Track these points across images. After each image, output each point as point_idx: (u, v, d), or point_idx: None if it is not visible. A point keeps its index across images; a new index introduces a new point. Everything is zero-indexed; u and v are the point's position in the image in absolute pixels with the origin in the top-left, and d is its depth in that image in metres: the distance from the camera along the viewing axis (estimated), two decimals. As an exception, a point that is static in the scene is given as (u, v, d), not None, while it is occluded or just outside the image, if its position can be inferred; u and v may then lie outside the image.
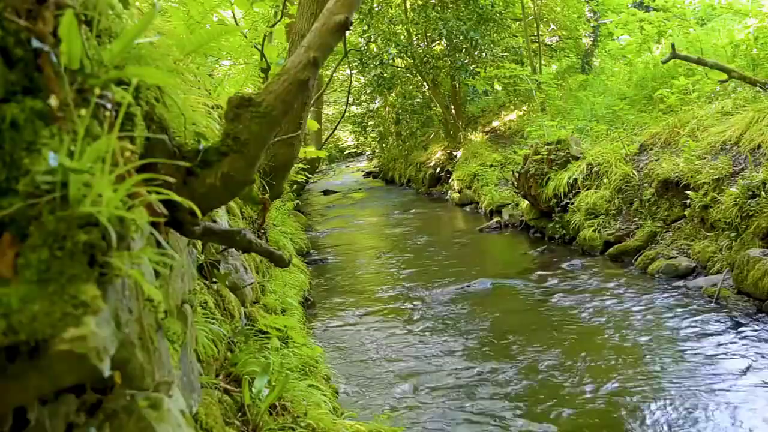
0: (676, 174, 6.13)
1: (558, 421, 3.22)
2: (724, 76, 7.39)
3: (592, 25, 15.35)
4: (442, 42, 14.36)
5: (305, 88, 1.32)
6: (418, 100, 16.40)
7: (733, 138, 5.91)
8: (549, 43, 17.13)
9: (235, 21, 4.52)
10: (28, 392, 0.77)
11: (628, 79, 10.92)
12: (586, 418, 3.22)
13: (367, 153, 24.48)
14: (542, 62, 15.35)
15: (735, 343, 3.95)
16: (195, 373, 1.68)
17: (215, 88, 3.23)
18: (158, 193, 0.98)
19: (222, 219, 2.80)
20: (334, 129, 13.13)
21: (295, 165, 6.44)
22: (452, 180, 13.06)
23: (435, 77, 14.74)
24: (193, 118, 1.43)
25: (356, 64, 14.59)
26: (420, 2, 14.21)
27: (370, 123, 19.30)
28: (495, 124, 14.89)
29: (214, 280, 2.67)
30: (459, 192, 12.27)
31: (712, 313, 4.48)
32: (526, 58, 14.73)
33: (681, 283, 5.27)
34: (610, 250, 6.45)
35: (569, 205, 7.45)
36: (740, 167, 5.54)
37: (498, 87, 15.72)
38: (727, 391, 3.33)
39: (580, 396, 3.46)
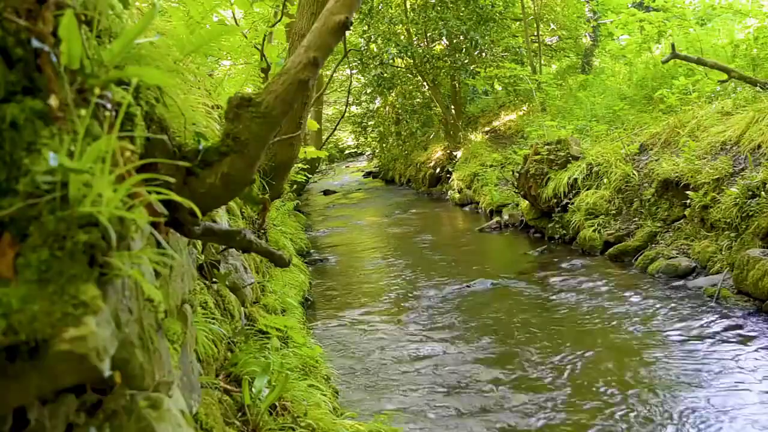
0: (676, 174, 6.13)
1: (558, 420, 3.22)
2: (724, 76, 7.39)
3: (592, 25, 15.35)
4: (442, 42, 14.36)
5: (305, 88, 1.32)
6: (418, 100, 16.40)
7: (733, 138, 5.91)
8: (549, 43, 17.13)
9: (235, 21, 4.52)
10: (28, 392, 0.77)
11: (628, 79, 10.92)
12: (585, 417, 3.22)
13: (367, 153, 24.45)
14: (542, 62, 15.35)
15: (735, 343, 3.94)
16: (195, 373, 1.68)
17: (215, 88, 3.23)
18: (158, 193, 0.98)
19: (222, 219, 2.80)
20: (334, 129, 13.10)
21: (295, 165, 6.44)
22: (452, 180, 13.06)
23: (435, 77, 14.74)
24: (193, 118, 1.43)
25: (356, 64, 14.58)
26: (420, 2, 14.22)
27: (370, 123, 19.28)
28: (495, 124, 14.88)
29: (214, 280, 2.67)
30: (459, 192, 12.27)
31: (712, 313, 4.48)
32: (526, 58, 14.73)
33: (681, 283, 5.26)
34: (610, 250, 6.45)
35: (569, 205, 7.45)
36: (740, 167, 5.54)
37: (498, 87, 15.72)
38: (727, 390, 3.33)
39: (580, 396, 3.46)
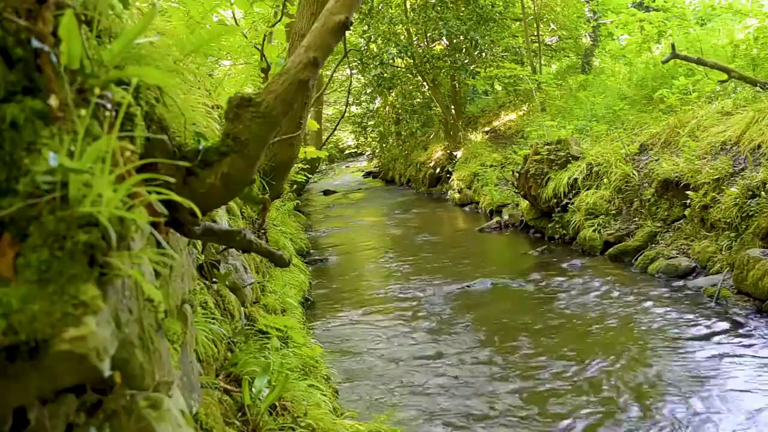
0: (676, 174, 6.13)
1: (557, 420, 3.22)
2: (724, 76, 7.39)
3: (592, 25, 15.35)
4: (442, 42, 14.37)
5: (305, 88, 1.32)
6: (418, 100, 16.41)
7: (733, 138, 5.91)
8: (549, 43, 17.13)
9: (235, 21, 4.52)
10: (28, 392, 0.77)
11: (628, 79, 10.92)
12: (585, 417, 3.22)
13: (367, 153, 24.47)
14: (542, 62, 15.35)
15: (735, 343, 3.94)
16: (195, 373, 1.68)
17: (215, 88, 3.22)
18: (158, 193, 0.98)
19: (222, 219, 2.80)
20: (334, 129, 13.11)
21: (295, 165, 6.44)
22: (452, 180, 13.06)
23: (435, 77, 14.74)
24: (193, 118, 1.43)
25: (356, 64, 14.58)
26: (420, 2, 14.22)
27: (370, 123, 19.29)
28: (495, 124, 14.89)
29: (214, 280, 2.67)
30: (459, 192, 12.27)
31: (712, 313, 4.48)
32: (526, 58, 14.73)
33: (681, 283, 5.26)
34: (610, 250, 6.45)
35: (569, 205, 7.45)
36: (740, 167, 5.54)
37: (498, 87, 15.72)
38: (727, 390, 3.33)
39: (580, 395, 3.46)
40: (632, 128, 8.34)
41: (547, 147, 8.12)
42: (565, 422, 3.20)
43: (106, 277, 0.81)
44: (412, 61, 14.28)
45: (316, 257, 8.21)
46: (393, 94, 16.50)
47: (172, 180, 1.09)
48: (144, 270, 0.99)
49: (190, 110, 1.44)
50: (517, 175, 8.42)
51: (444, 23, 13.18)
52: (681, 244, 5.87)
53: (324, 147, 11.75)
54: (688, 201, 5.80)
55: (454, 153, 14.11)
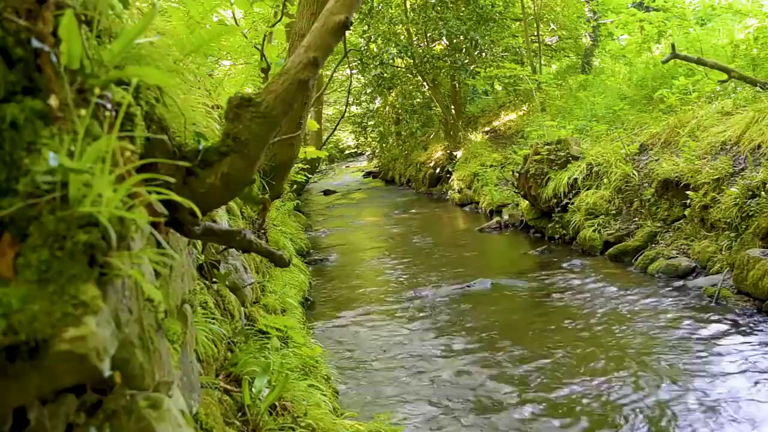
0: (676, 174, 6.13)
1: (558, 421, 3.22)
2: (724, 76, 7.39)
3: (592, 25, 15.36)
4: (442, 42, 14.37)
5: (305, 88, 1.32)
6: (418, 100, 16.42)
7: (733, 138, 5.91)
8: (549, 43, 17.14)
9: (235, 21, 4.52)
10: (28, 392, 0.77)
11: (628, 79, 10.93)
12: (586, 418, 3.22)
13: (367, 153, 24.50)
14: (542, 62, 15.35)
15: (735, 343, 3.94)
16: (195, 373, 1.68)
17: (215, 88, 3.22)
18: (158, 193, 0.98)
19: (222, 219, 2.80)
20: (334, 129, 13.12)
21: (295, 165, 6.44)
22: (452, 180, 13.07)
23: (435, 77, 14.75)
24: (193, 118, 1.43)
25: (356, 64, 14.59)
26: (420, 2, 14.22)
27: (370, 123, 19.30)
28: (495, 124, 14.89)
29: (214, 280, 2.67)
30: (459, 192, 12.27)
31: (712, 313, 4.48)
32: (526, 58, 14.74)
33: (681, 283, 5.26)
34: (610, 250, 6.45)
35: (569, 205, 7.45)
36: (740, 167, 5.54)
37: (498, 87, 15.73)
38: (727, 390, 3.33)
39: (580, 396, 3.46)
40: (632, 128, 8.34)
41: (547, 147, 8.12)
42: (565, 421, 3.20)
43: (106, 277, 0.81)
44: (412, 61, 14.28)
45: (316, 257, 8.21)
46: (393, 94, 16.51)
47: (172, 180, 1.09)
48: (144, 270, 0.99)
49: (190, 110, 1.44)
50: (517, 175, 8.42)
51: (444, 23, 13.19)
52: (681, 244, 5.87)
53: (324, 147, 11.73)
54: (688, 201, 5.80)
55: (454, 153, 14.12)
